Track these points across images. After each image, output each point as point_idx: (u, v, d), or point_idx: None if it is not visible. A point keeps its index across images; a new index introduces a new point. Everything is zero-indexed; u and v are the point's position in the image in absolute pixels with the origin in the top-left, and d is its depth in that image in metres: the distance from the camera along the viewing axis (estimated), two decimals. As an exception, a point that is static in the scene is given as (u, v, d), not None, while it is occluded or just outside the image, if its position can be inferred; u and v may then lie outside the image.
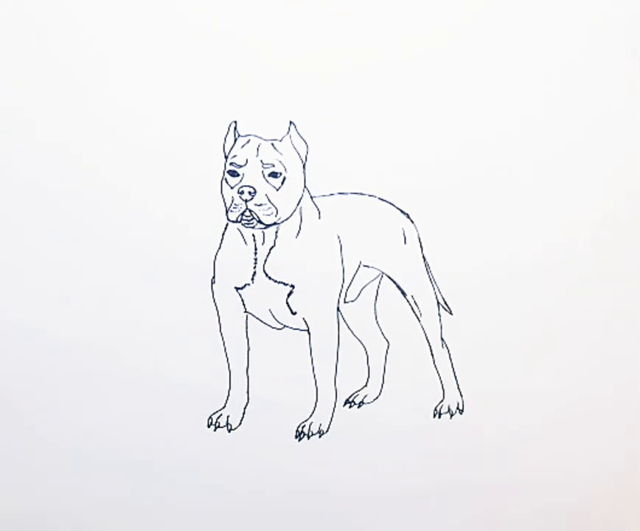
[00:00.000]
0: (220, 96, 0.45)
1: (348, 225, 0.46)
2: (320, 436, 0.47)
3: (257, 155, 0.45)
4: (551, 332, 0.48)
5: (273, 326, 0.47)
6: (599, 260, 0.48)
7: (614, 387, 0.48)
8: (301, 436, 0.47)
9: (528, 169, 0.47)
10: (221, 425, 0.47)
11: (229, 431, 0.47)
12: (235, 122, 0.45)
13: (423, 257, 0.47)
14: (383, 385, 0.48)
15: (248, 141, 0.45)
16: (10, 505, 0.48)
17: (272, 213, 0.45)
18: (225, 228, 0.45)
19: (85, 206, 0.45)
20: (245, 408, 0.47)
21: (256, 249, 0.46)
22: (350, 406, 0.48)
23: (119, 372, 0.46)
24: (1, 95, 0.44)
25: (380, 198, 0.46)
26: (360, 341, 0.48)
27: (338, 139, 0.45)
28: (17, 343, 0.46)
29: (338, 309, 0.47)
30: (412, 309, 0.48)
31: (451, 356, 0.48)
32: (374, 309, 0.48)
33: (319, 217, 0.46)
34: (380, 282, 0.48)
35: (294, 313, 0.46)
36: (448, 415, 0.48)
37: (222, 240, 0.45)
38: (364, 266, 0.47)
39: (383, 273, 0.47)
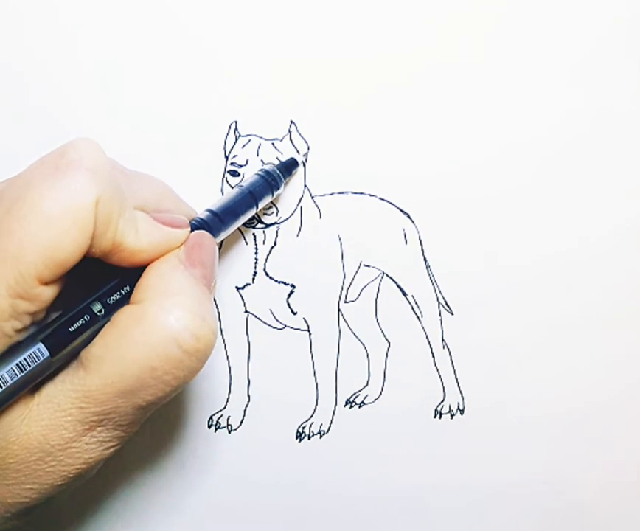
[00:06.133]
0: (220, 95, 0.45)
1: (349, 224, 0.46)
2: (320, 437, 0.47)
3: (258, 155, 0.45)
4: (553, 332, 0.48)
5: (274, 326, 0.47)
6: (601, 261, 0.48)
7: (617, 389, 0.48)
8: (302, 436, 0.47)
9: (530, 170, 0.47)
10: (222, 426, 0.47)
11: (230, 432, 0.47)
12: (235, 121, 0.45)
13: (424, 258, 0.47)
14: (384, 385, 0.48)
15: (248, 141, 0.45)
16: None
17: (272, 213, 0.45)
18: (226, 228, 0.45)
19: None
20: (245, 408, 0.47)
21: (256, 249, 0.46)
22: (351, 406, 0.48)
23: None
24: (3, 95, 0.44)
25: (380, 198, 0.46)
26: (360, 341, 0.48)
27: (339, 139, 0.45)
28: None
29: (338, 309, 0.47)
30: (413, 309, 0.48)
31: (452, 356, 0.48)
32: (375, 309, 0.48)
33: (320, 217, 0.46)
34: (380, 282, 0.47)
35: (295, 313, 0.46)
36: (449, 415, 0.48)
37: (222, 240, 0.45)
38: (365, 266, 0.47)
39: (384, 273, 0.47)
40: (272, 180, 0.42)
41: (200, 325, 0.30)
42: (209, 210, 0.39)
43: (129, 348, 0.29)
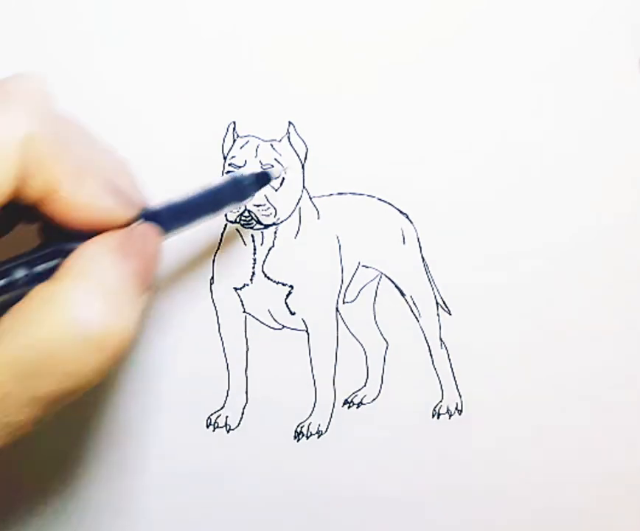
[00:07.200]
0: (219, 96, 0.45)
1: (347, 225, 0.46)
2: (319, 437, 0.47)
3: (256, 156, 0.45)
4: (551, 333, 0.48)
5: (272, 326, 0.47)
6: (600, 261, 0.48)
7: (615, 389, 0.48)
8: (300, 436, 0.47)
9: (528, 170, 0.47)
10: (220, 426, 0.47)
11: (228, 432, 0.47)
12: (234, 122, 0.45)
13: (422, 258, 0.47)
14: (382, 385, 0.48)
15: (247, 142, 0.45)
16: (6, 502, 0.48)
17: (271, 214, 0.45)
18: (224, 229, 0.45)
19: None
20: (244, 408, 0.47)
21: (255, 250, 0.46)
22: (349, 407, 0.48)
23: (117, 371, 0.46)
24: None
25: (379, 198, 0.46)
26: (358, 342, 0.48)
27: (338, 140, 0.45)
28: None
29: (336, 309, 0.47)
30: (411, 309, 0.48)
31: (450, 356, 0.48)
32: (373, 309, 0.48)
33: (318, 218, 0.46)
34: (379, 283, 0.48)
35: (293, 314, 0.46)
36: (447, 415, 0.48)
37: (220, 241, 0.46)
38: (363, 266, 0.47)
39: (382, 273, 0.47)
40: (242, 188, 0.40)
41: (112, 319, 0.28)
42: (166, 203, 0.36)
43: (31, 327, 0.27)
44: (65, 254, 0.30)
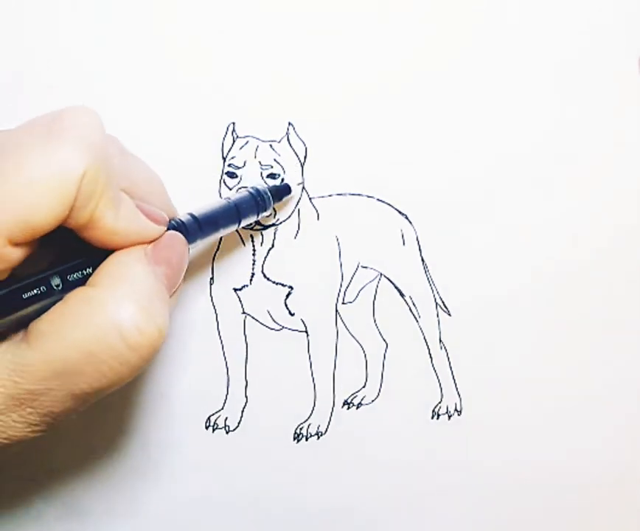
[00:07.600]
0: (218, 97, 0.45)
1: (346, 226, 0.46)
2: (318, 438, 0.47)
3: (256, 157, 0.44)
4: (549, 333, 0.48)
5: (272, 327, 0.47)
6: (600, 262, 0.48)
7: (616, 390, 0.49)
8: (300, 437, 0.47)
9: (528, 171, 0.47)
10: (219, 427, 0.47)
11: (227, 433, 0.47)
12: (233, 123, 0.45)
13: (422, 258, 0.47)
14: (381, 386, 0.48)
15: (246, 143, 0.45)
16: (6, 505, 0.48)
17: (270, 214, 0.45)
18: (224, 230, 0.45)
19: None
20: (243, 409, 0.47)
21: (254, 250, 0.46)
22: (348, 408, 0.48)
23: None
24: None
25: (378, 199, 0.46)
26: (358, 342, 0.48)
27: (337, 140, 0.45)
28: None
29: (336, 310, 0.47)
30: (410, 310, 0.48)
31: (449, 357, 0.48)
32: (373, 310, 0.48)
33: (318, 218, 0.46)
34: (378, 283, 0.47)
35: (292, 314, 0.46)
36: (446, 416, 0.48)
37: (220, 242, 0.45)
38: (362, 267, 0.47)
39: (382, 274, 0.47)
40: (261, 201, 0.42)
41: (147, 321, 0.30)
42: (190, 214, 0.38)
43: (71, 329, 0.29)
44: (96, 261, 0.33)
